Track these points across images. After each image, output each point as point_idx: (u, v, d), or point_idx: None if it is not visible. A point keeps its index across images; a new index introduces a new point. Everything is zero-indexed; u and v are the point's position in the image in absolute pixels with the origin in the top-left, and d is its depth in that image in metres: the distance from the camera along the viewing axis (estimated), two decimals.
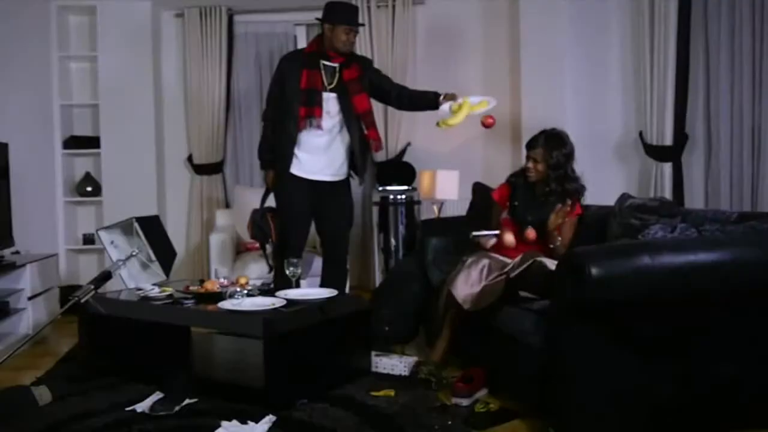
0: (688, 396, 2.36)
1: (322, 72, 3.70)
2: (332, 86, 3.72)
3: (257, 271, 4.39)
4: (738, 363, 2.39)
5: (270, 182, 3.87)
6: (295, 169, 3.74)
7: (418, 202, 5.13)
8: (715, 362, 2.37)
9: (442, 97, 3.74)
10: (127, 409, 2.81)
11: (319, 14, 3.71)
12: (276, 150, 3.78)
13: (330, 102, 3.71)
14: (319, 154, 3.75)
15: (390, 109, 5.27)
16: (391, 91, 3.86)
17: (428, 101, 3.80)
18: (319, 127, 3.68)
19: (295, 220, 3.77)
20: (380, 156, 5.25)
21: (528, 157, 3.44)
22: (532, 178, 3.42)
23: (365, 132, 3.79)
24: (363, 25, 3.71)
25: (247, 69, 5.59)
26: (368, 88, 3.79)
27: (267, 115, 3.85)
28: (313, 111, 3.66)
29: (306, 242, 3.91)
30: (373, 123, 3.81)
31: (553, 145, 3.36)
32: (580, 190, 3.40)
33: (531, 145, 3.44)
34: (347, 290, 4.29)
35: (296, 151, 3.71)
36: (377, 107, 5.04)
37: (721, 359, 2.37)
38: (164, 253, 3.66)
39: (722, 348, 2.38)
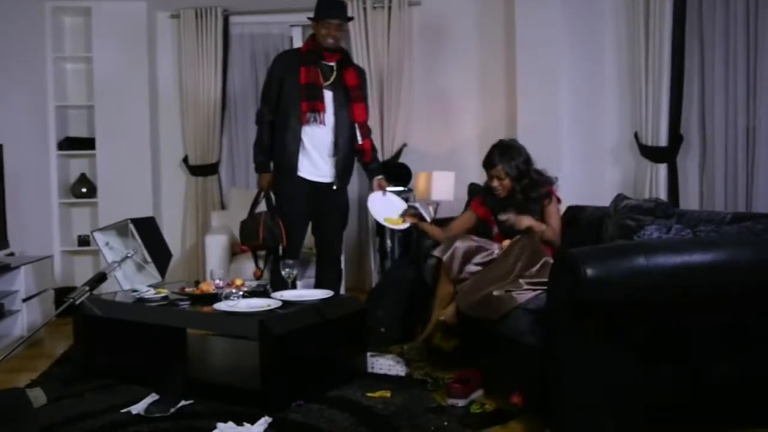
0: (683, 396, 2.37)
1: (320, 70, 3.72)
2: (329, 84, 3.74)
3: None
4: (734, 363, 2.40)
5: (265, 185, 3.87)
6: (299, 170, 3.75)
7: None
8: (711, 362, 2.37)
9: (376, 180, 3.90)
10: (123, 411, 2.80)
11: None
12: (277, 149, 3.78)
13: (327, 99, 3.73)
14: (321, 153, 3.75)
15: (386, 110, 5.29)
16: (367, 124, 3.91)
17: (367, 168, 3.98)
18: (322, 122, 3.69)
19: (293, 221, 3.76)
20: None
21: (491, 177, 3.45)
22: (501, 194, 3.45)
23: (359, 141, 3.81)
24: (343, 18, 3.69)
25: (242, 70, 5.60)
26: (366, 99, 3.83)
27: (262, 116, 3.85)
28: (315, 105, 3.67)
29: (303, 243, 3.91)
30: (369, 134, 3.85)
31: (509, 156, 3.40)
32: (551, 183, 3.45)
33: (489, 164, 3.45)
34: (342, 291, 4.29)
35: (301, 149, 3.72)
36: (374, 108, 5.07)
37: (716, 359, 2.38)
38: (160, 254, 3.65)
39: (718, 348, 2.39)
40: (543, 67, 4.82)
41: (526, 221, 3.31)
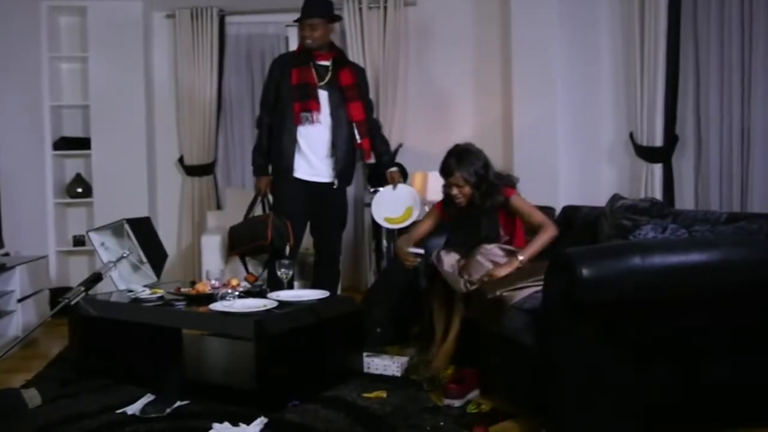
0: (682, 395, 2.37)
1: (313, 70, 3.74)
2: (323, 84, 3.75)
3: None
4: (729, 362, 2.40)
5: (263, 188, 3.88)
6: (295, 171, 3.76)
7: None
8: (707, 362, 2.38)
9: (388, 173, 3.91)
10: (118, 411, 2.79)
11: None
12: (274, 151, 3.79)
13: (321, 99, 3.74)
14: (318, 153, 3.76)
15: (382, 110, 5.29)
16: (365, 122, 3.89)
17: (379, 164, 4.01)
18: (316, 121, 3.70)
19: (291, 221, 3.76)
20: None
21: (450, 185, 3.29)
22: (462, 203, 3.29)
23: (358, 141, 3.82)
24: (314, 17, 3.68)
25: (238, 70, 5.60)
26: (364, 98, 3.83)
27: (261, 120, 3.88)
28: (308, 105, 3.69)
29: (301, 244, 3.91)
30: (367, 132, 3.85)
31: (467, 162, 3.24)
32: (512, 184, 3.32)
33: (447, 172, 3.28)
34: (339, 291, 4.29)
35: (296, 151, 3.73)
36: None
37: (712, 358, 2.39)
38: (155, 254, 3.65)
39: (714, 347, 2.40)
40: (539, 67, 4.82)
41: (504, 270, 3.05)
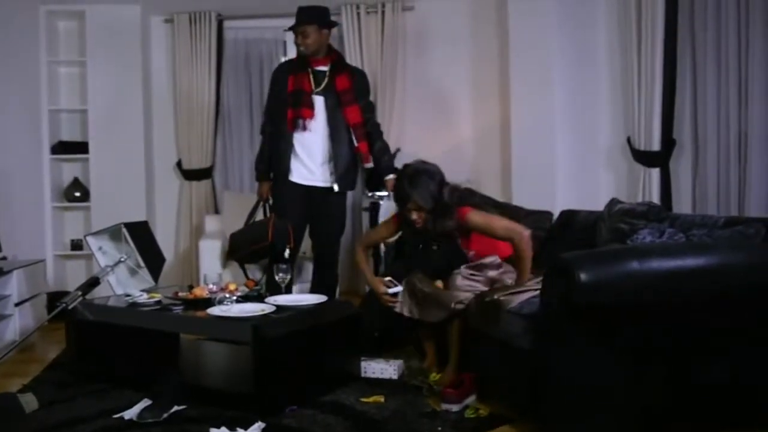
0: (678, 398, 2.37)
1: (310, 76, 3.75)
2: (319, 89, 3.76)
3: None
4: (728, 363, 2.41)
5: (264, 193, 3.91)
6: (292, 175, 3.77)
7: None
8: (706, 363, 2.38)
9: (386, 179, 3.90)
10: (115, 416, 2.78)
11: None
12: (273, 157, 3.82)
13: (317, 105, 3.75)
14: (314, 158, 3.78)
15: (380, 114, 5.28)
16: (365, 125, 3.89)
17: (377, 168, 4.00)
18: (308, 128, 3.71)
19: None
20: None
21: (408, 210, 3.11)
22: (422, 226, 3.13)
23: (355, 144, 3.83)
24: (302, 24, 3.70)
25: (236, 75, 5.60)
26: (361, 101, 3.83)
27: (264, 128, 3.94)
28: (300, 112, 3.71)
29: (301, 247, 3.92)
30: (365, 136, 3.86)
31: (422, 185, 3.04)
32: (467, 201, 3.20)
33: (402, 198, 3.10)
34: (337, 295, 4.29)
35: (292, 155, 3.74)
36: None
37: (711, 360, 2.39)
38: (153, 258, 3.64)
39: (711, 350, 2.40)
40: (536, 71, 4.83)
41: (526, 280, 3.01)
